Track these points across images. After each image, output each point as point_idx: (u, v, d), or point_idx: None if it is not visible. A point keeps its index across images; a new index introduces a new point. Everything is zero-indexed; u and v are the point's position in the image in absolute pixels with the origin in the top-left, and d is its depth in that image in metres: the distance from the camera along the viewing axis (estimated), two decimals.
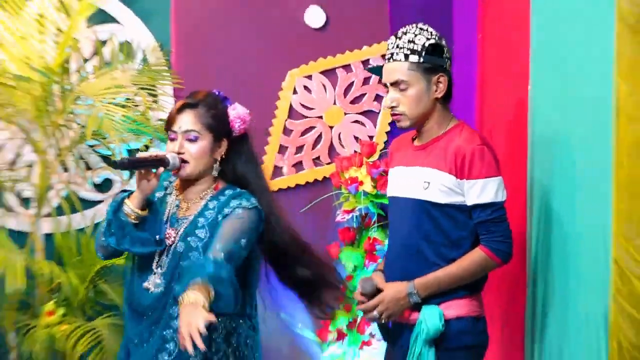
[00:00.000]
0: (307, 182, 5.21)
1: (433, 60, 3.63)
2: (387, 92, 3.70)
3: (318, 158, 5.25)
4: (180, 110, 3.57)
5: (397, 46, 3.64)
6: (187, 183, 3.59)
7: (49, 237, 5.02)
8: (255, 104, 4.98)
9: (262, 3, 5.20)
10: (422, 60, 3.61)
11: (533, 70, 4.03)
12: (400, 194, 3.76)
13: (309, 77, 5.23)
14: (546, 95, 3.92)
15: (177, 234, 3.54)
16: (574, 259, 3.57)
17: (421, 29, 3.66)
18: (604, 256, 3.24)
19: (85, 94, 4.81)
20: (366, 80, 5.18)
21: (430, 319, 3.59)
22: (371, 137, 5.18)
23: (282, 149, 5.22)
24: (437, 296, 3.63)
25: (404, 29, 3.68)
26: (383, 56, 5.07)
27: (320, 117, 5.24)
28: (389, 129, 5.17)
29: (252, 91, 5.13)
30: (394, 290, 3.64)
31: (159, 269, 3.56)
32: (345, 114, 5.25)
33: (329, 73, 5.23)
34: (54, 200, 5.07)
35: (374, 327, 4.89)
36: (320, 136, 5.24)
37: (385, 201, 4.77)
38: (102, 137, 4.94)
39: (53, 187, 5.03)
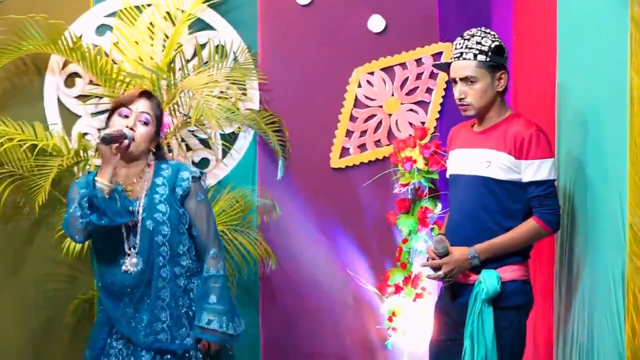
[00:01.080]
0: (370, 161, 5.15)
1: (497, 60, 3.65)
2: (455, 86, 3.72)
3: (379, 141, 5.18)
4: (140, 95, 3.56)
5: (467, 47, 3.66)
6: (120, 169, 3.52)
7: None
8: (326, 96, 5.15)
9: (332, 13, 5.15)
10: (488, 59, 3.63)
11: (560, 66, 4.01)
12: (463, 172, 3.76)
13: (372, 73, 5.16)
14: (571, 88, 3.89)
15: (138, 213, 3.50)
16: (595, 224, 3.54)
17: (486, 32, 3.69)
18: (621, 222, 3.23)
19: (187, 87, 4.80)
20: (419, 76, 5.14)
21: (489, 280, 3.59)
22: (423, 123, 5.13)
23: (349, 133, 5.17)
24: (494, 261, 3.64)
25: (470, 32, 3.71)
26: (434, 55, 5.08)
27: (381, 107, 5.17)
28: (437, 116, 5.12)
29: (324, 85, 5.18)
30: (459, 253, 3.64)
31: (132, 249, 3.52)
32: (402, 103, 5.17)
33: (388, 70, 5.15)
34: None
35: (426, 282, 4.88)
36: (380, 122, 5.18)
37: (435, 176, 4.88)
38: (201, 124, 4.95)
39: None
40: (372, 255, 5.16)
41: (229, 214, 4.98)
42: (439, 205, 4.95)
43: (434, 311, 3.91)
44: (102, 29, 5.07)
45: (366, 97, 5.19)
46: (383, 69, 5.17)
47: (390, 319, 4.97)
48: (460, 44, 3.69)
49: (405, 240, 4.97)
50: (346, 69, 5.15)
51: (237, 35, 5.12)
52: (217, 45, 5.08)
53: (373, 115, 5.19)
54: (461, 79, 3.67)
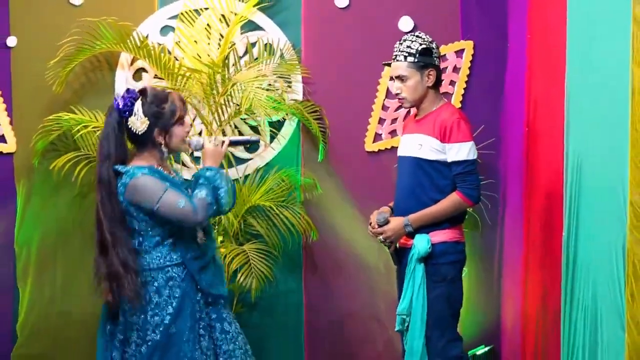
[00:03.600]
0: None
1: (424, 60, 3.87)
2: (393, 83, 3.97)
3: None
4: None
5: (400, 50, 3.90)
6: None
7: None
8: (361, 88, 5.14)
9: (366, 14, 5.12)
10: (416, 60, 3.86)
11: (569, 60, 3.97)
12: (404, 153, 4.01)
13: None
14: (579, 79, 3.85)
15: None
16: (600, 201, 3.52)
17: (417, 36, 3.90)
18: (622, 199, 3.21)
19: (239, 81, 4.79)
20: (443, 70, 5.06)
21: (420, 243, 3.84)
22: None
23: (381, 121, 5.11)
24: (426, 228, 3.86)
25: (405, 37, 3.93)
26: (456, 52, 5.04)
27: None
28: (460, 105, 5.05)
29: (359, 79, 5.14)
30: (395, 222, 3.91)
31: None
32: None
33: None
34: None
35: None
36: (409, 111, 4.99)
37: None
38: (251, 112, 4.95)
39: None
40: None
41: (275, 191, 5.00)
42: None
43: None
44: (165, 29, 5.09)
45: None
46: None
47: None
48: (396, 47, 3.92)
49: None
50: (379, 64, 4.98)
51: (283, 35, 5.10)
52: (266, 44, 5.07)
53: (402, 105, 5.10)
54: (396, 77, 3.92)
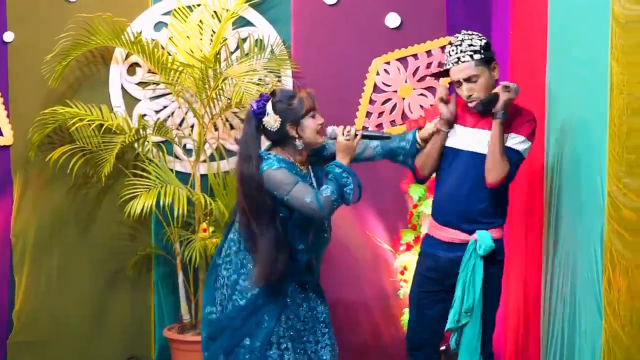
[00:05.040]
0: None
1: (489, 54, 3.54)
2: (460, 86, 3.56)
3: (394, 121, 5.13)
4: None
5: (461, 51, 3.53)
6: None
7: (204, 176, 5.03)
8: (350, 82, 5.11)
9: (355, 11, 5.11)
10: (483, 56, 3.52)
11: (550, 55, 3.95)
12: (468, 147, 3.60)
13: (388, 63, 5.11)
14: (559, 74, 3.83)
15: None
16: (579, 192, 3.49)
17: (471, 34, 3.56)
18: (601, 191, 3.18)
19: (231, 75, 4.75)
20: (429, 65, 5.10)
21: (486, 239, 3.54)
22: (431, 106, 5.04)
23: (368, 114, 5.14)
24: (487, 224, 3.58)
25: (458, 38, 3.57)
26: (442, 47, 5.02)
27: (396, 92, 5.13)
28: None
29: (347, 73, 5.12)
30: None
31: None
32: (414, 89, 5.12)
33: (402, 60, 5.10)
34: (208, 150, 5.08)
35: None
36: (395, 105, 5.13)
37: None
38: (242, 106, 4.91)
39: (207, 141, 5.03)
40: (388, 218, 5.12)
41: None
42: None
43: (418, 268, 3.79)
44: (159, 25, 5.08)
45: (383, 84, 5.13)
46: (398, 59, 5.11)
47: (402, 273, 4.94)
48: (453, 50, 3.56)
49: (415, 206, 4.94)
50: (366, 59, 5.10)
51: (273, 31, 5.08)
52: (257, 40, 5.05)
53: (389, 99, 5.14)
54: (465, 80, 3.53)
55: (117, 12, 4.92)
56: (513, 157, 3.52)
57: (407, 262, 4.90)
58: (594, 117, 3.28)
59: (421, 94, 5.13)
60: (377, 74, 5.12)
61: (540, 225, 3.99)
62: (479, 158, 3.56)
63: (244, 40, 5.05)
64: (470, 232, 3.59)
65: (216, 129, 5.09)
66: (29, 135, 4.90)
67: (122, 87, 5.07)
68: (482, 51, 3.52)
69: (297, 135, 3.42)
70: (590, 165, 3.32)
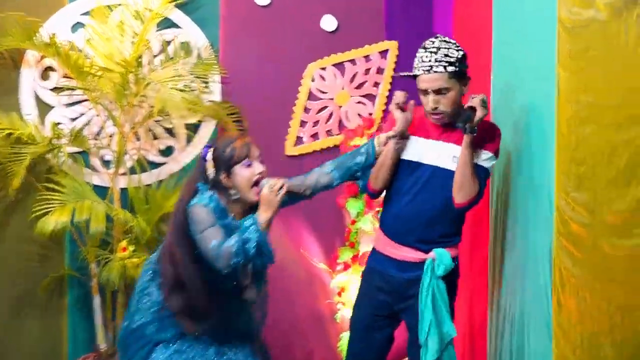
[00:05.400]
0: (322, 149, 5.11)
1: (464, 67, 3.47)
2: (426, 96, 3.47)
3: (330, 130, 5.16)
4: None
5: (436, 60, 3.42)
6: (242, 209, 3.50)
7: (124, 190, 4.94)
8: (282, 89, 5.09)
9: (288, 13, 5.11)
10: (457, 69, 3.43)
11: (494, 61, 4.01)
12: (430, 162, 3.54)
13: (324, 68, 5.14)
14: (505, 82, 3.86)
15: None
16: (526, 207, 3.52)
17: (448, 42, 3.47)
18: (548, 205, 3.20)
19: (154, 81, 4.71)
20: (367, 71, 5.12)
21: (445, 258, 3.48)
22: (370, 114, 5.09)
23: (302, 123, 5.15)
24: (443, 244, 3.52)
25: (434, 44, 3.47)
26: (381, 52, 5.04)
27: (332, 99, 5.15)
28: (384, 107, 5.08)
29: (280, 79, 5.13)
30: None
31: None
32: (351, 96, 5.15)
33: (339, 65, 5.14)
34: (128, 162, 5.00)
35: None
36: (331, 114, 5.16)
37: None
38: (166, 115, 4.87)
39: (128, 152, 4.95)
40: (324, 236, 5.13)
41: None
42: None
43: (365, 288, 3.73)
44: (75, 26, 4.99)
45: (319, 90, 5.14)
46: (334, 65, 5.13)
47: (339, 294, 4.94)
48: (427, 57, 3.44)
49: (353, 222, 4.95)
50: (301, 64, 5.11)
51: (201, 33, 5.05)
52: (182, 42, 5.01)
53: (325, 107, 5.15)
54: (434, 91, 3.44)
55: (29, 11, 4.82)
56: (482, 174, 3.48)
57: (344, 282, 4.90)
58: (542, 127, 3.29)
59: (359, 102, 5.16)
60: (312, 80, 5.13)
61: (486, 240, 4.01)
62: (442, 174, 3.50)
63: (169, 43, 5.00)
64: (427, 251, 3.53)
65: (138, 139, 5.01)
66: None
67: (35, 93, 4.96)
68: (457, 64, 3.43)
69: (229, 184, 3.43)
70: (538, 178, 3.34)
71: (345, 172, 3.64)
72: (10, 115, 4.85)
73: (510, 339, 3.64)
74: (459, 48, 3.46)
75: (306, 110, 5.12)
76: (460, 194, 3.45)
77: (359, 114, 5.12)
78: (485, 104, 3.41)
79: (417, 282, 3.50)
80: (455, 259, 3.54)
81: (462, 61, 3.45)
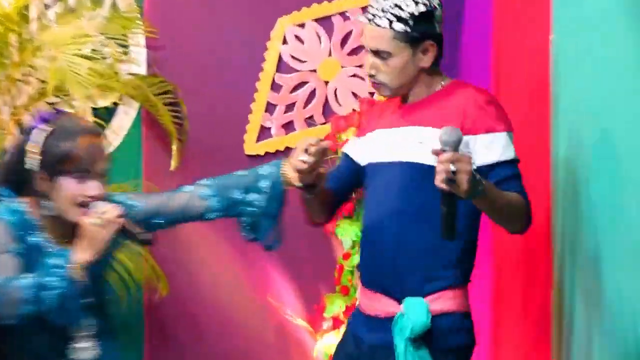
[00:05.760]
0: None
1: (421, 29, 3.40)
2: (366, 55, 3.53)
3: (311, 117, 5.13)
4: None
5: (382, 9, 3.42)
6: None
7: None
8: (239, 56, 5.14)
9: None
10: (408, 29, 3.38)
11: (556, 27, 3.84)
12: (391, 158, 3.51)
13: (301, 25, 5.10)
14: (568, 59, 3.73)
15: None
16: (611, 236, 3.27)
17: None
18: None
19: (47, 44, 4.67)
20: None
21: (415, 311, 3.37)
22: (372, 94, 4.90)
23: (270, 107, 5.11)
24: (421, 287, 3.41)
25: None
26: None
27: (314, 71, 5.11)
28: None
29: (236, 41, 5.11)
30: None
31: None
32: (342, 67, 5.11)
33: (324, 21, 5.09)
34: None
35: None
36: (313, 92, 5.11)
37: None
38: (64, 94, 4.79)
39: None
40: (302, 275, 5.10)
41: None
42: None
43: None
44: None
45: (293, 58, 5.09)
46: (317, 20, 5.08)
47: None
48: (375, 1, 3.47)
49: (347, 255, 4.86)
50: (267, 19, 5.06)
51: None
52: None
53: (303, 83, 5.10)
54: (372, 51, 3.44)
55: None
56: (510, 171, 3.39)
57: (333, 346, 4.59)
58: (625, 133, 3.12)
59: (354, 75, 5.09)
60: (284, 42, 5.07)
61: (549, 284, 3.85)
62: (417, 170, 3.41)
63: None
64: (399, 299, 3.44)
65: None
66: None
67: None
68: (410, 22, 3.38)
69: (45, 191, 3.30)
70: (626, 198, 3.11)
71: (229, 204, 3.54)
72: None
73: None
74: (425, 1, 3.44)
75: (275, 87, 5.09)
76: (509, 227, 3.44)
77: (354, 94, 5.06)
78: (449, 176, 3.16)
79: (387, 351, 3.40)
80: (448, 315, 3.43)
81: (420, 20, 3.40)
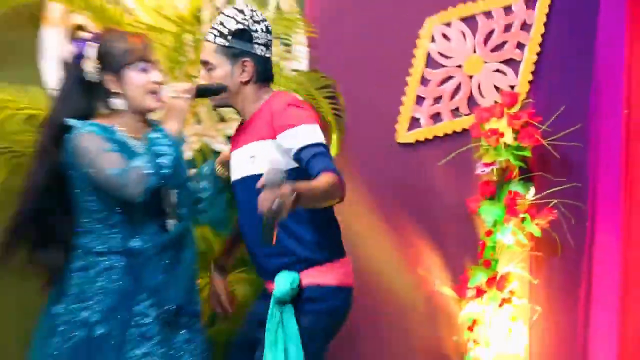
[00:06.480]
0: (446, 134, 5.13)
1: (238, 44, 3.91)
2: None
3: (457, 109, 5.17)
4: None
5: (212, 26, 3.96)
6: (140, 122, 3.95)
7: None
8: (391, 53, 5.23)
9: None
10: (227, 44, 3.91)
11: None
12: (238, 176, 4.02)
13: (448, 24, 5.17)
14: None
15: None
16: None
17: (240, 11, 3.95)
18: None
19: None
20: (507, 27, 5.07)
21: (280, 282, 3.89)
22: (512, 87, 5.05)
23: (419, 100, 5.17)
24: (298, 263, 3.94)
25: (226, 9, 4.07)
26: (527, 2, 5.14)
27: (459, 66, 5.17)
28: (531, 78, 5.05)
29: (387, 40, 5.18)
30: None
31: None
32: (485, 62, 5.15)
33: (469, 20, 5.16)
34: (186, 152, 4.91)
35: (514, 284, 4.92)
36: (459, 86, 5.17)
37: (527, 153, 5.00)
38: None
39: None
40: (448, 250, 5.15)
41: None
42: (532, 190, 4.92)
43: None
44: None
45: (441, 55, 5.16)
46: (462, 19, 5.16)
47: (470, 329, 4.97)
48: (214, 20, 3.99)
49: (489, 233, 4.96)
50: (416, 18, 5.14)
51: None
52: None
53: (450, 77, 5.18)
54: (202, 62, 3.97)
55: None
56: (314, 150, 3.84)
57: (477, 314, 4.94)
58: None
59: (497, 70, 5.14)
60: (432, 40, 5.16)
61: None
62: (254, 181, 3.64)
63: None
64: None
65: (198, 122, 5.12)
66: None
67: (61, 61, 4.97)
68: (228, 36, 3.88)
69: (116, 90, 3.81)
70: None
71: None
72: (31, 91, 4.98)
73: None
74: (245, 20, 3.92)
75: (424, 82, 5.16)
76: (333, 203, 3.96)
77: (496, 87, 5.11)
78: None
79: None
80: (316, 289, 3.94)
81: (237, 35, 3.90)
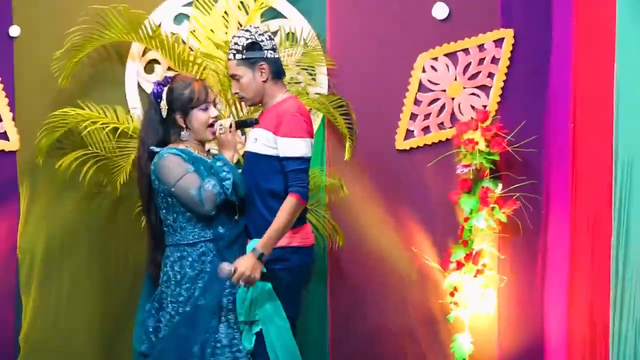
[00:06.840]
0: (433, 143, 5.14)
1: (252, 55, 3.97)
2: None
3: (442, 123, 5.18)
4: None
5: (230, 48, 4.02)
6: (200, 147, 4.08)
7: None
8: (392, 80, 5.19)
9: (398, 1, 5.16)
10: (244, 56, 3.97)
11: (619, 49, 4.01)
12: (245, 148, 4.14)
13: (435, 58, 5.15)
14: (630, 71, 3.91)
15: None
16: None
17: (246, 30, 4.02)
18: None
19: None
20: (481, 61, 5.10)
21: (251, 244, 3.89)
22: (485, 107, 5.08)
23: (413, 116, 5.17)
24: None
25: (235, 33, 4.21)
26: (495, 41, 5.04)
27: (444, 91, 5.15)
28: (499, 99, 5.08)
29: (390, 70, 5.17)
30: (245, 262, 3.80)
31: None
32: (464, 88, 5.14)
33: (451, 55, 5.13)
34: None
35: (486, 259, 4.93)
36: (443, 106, 5.17)
37: (496, 157, 4.90)
38: None
39: None
40: (436, 233, 5.14)
41: None
42: (500, 185, 4.96)
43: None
44: (179, 17, 5.13)
45: (430, 82, 5.15)
46: (446, 55, 5.13)
47: (452, 294, 4.99)
48: (230, 44, 4.04)
49: (466, 219, 4.98)
50: (411, 54, 5.14)
51: (306, 23, 5.14)
52: (288, 33, 5.10)
53: (436, 99, 5.16)
54: (230, 76, 4.05)
55: (133, 3, 4.95)
56: (296, 164, 3.89)
57: (457, 282, 4.96)
58: None
59: (472, 94, 5.14)
60: (423, 70, 5.14)
61: (609, 238, 4.00)
62: (251, 156, 4.00)
63: (274, 34, 5.08)
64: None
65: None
66: (36, 139, 4.93)
67: (139, 86, 5.13)
68: (244, 51, 3.96)
69: (184, 126, 3.97)
70: None
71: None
72: (116, 110, 5.01)
73: (635, 343, 3.65)
74: (252, 36, 3.98)
75: (417, 102, 5.15)
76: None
77: (472, 106, 5.12)
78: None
79: None
80: (277, 250, 3.87)
81: (249, 48, 3.97)
